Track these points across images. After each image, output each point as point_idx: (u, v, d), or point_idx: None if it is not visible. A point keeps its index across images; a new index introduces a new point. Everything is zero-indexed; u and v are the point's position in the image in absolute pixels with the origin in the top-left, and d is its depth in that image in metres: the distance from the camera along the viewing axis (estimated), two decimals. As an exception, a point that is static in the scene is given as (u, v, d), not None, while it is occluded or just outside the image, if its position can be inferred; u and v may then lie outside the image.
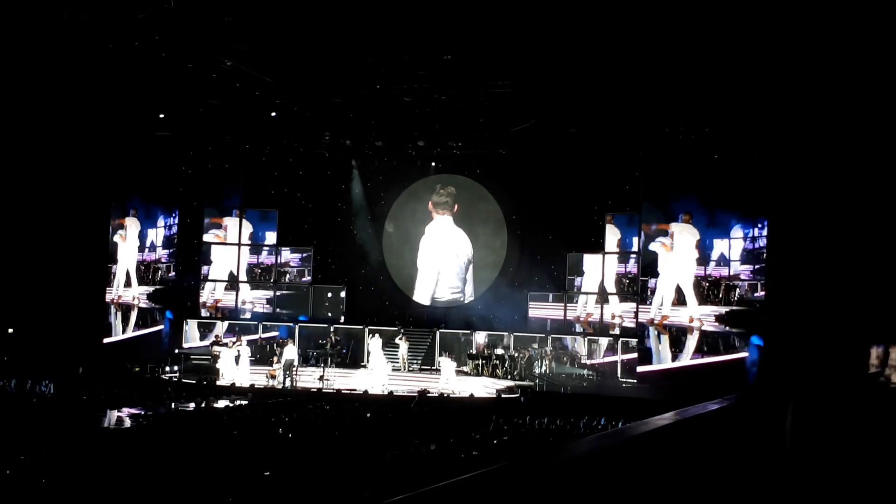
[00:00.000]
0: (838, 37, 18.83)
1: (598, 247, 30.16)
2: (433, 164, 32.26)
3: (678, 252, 26.93)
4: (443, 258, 32.49)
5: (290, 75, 23.95)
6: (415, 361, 29.71)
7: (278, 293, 32.99)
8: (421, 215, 32.77)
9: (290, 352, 27.20)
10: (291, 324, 32.07)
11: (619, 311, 29.56)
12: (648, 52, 20.67)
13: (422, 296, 32.55)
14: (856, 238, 22.21)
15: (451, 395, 25.13)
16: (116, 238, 33.11)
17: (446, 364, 26.88)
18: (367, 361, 28.63)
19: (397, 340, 29.30)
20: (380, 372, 26.75)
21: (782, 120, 23.47)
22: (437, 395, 24.91)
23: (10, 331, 30.82)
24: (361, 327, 31.24)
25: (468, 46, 21.16)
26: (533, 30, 19.95)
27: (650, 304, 27.51)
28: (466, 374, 28.48)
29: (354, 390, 25.67)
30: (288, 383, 26.36)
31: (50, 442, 14.51)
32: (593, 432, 18.02)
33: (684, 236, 26.82)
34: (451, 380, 26.35)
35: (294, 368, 26.83)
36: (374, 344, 28.65)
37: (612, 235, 29.70)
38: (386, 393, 25.32)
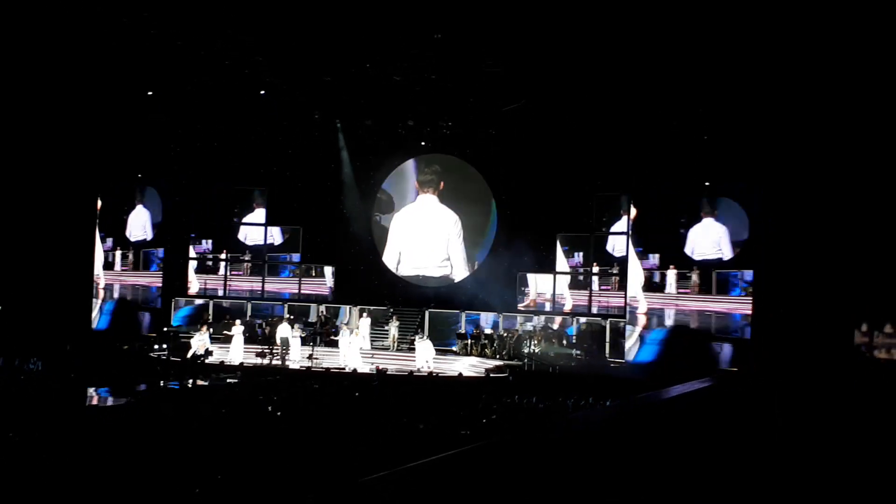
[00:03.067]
0: (831, 18, 18.85)
1: (587, 227, 30.23)
2: (423, 143, 32.22)
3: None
4: (425, 234, 32.65)
5: (279, 54, 23.83)
6: (403, 341, 29.76)
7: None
8: (410, 194, 32.90)
9: (284, 330, 27.17)
10: (280, 304, 32.17)
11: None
12: (639, 32, 20.65)
13: (404, 269, 32.96)
14: (841, 218, 22.33)
15: (429, 374, 25.14)
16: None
17: (423, 345, 26.98)
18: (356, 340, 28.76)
19: (391, 323, 29.53)
20: (353, 352, 26.75)
21: (773, 101, 23.50)
22: (425, 374, 25.06)
23: (-1, 308, 30.74)
24: (350, 306, 31.33)
25: (459, 26, 21.09)
26: (524, 10, 19.90)
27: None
28: (455, 353, 28.61)
29: (343, 368, 25.72)
30: (286, 361, 26.32)
31: (38, 419, 14.51)
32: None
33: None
34: (429, 360, 26.42)
35: (289, 346, 26.80)
36: (363, 324, 28.76)
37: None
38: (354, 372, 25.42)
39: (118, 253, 34.00)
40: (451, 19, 20.67)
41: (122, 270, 33.92)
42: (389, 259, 33.03)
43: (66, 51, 24.00)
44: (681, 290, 28.08)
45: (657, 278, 28.70)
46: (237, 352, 26.70)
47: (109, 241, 34.19)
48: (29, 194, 30.68)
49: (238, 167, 32.67)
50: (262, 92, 27.22)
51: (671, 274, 28.37)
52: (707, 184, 27.80)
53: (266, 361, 26.22)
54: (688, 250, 27.94)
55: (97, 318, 33.85)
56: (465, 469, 3.71)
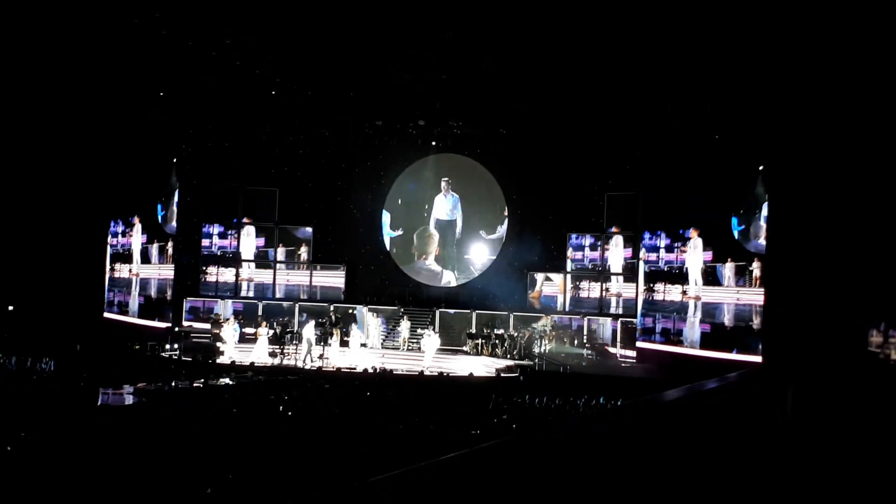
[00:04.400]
0: (837, 15, 18.73)
1: (597, 227, 30.19)
2: (434, 143, 32.24)
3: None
4: (450, 235, 33.02)
5: (290, 54, 23.85)
6: (414, 341, 29.74)
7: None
8: (421, 194, 32.98)
9: (309, 330, 27.11)
10: (290, 302, 32.26)
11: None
12: (650, 29, 20.58)
13: (428, 272, 33.13)
14: (855, 216, 22.15)
15: (439, 374, 25.08)
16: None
17: (430, 340, 27.05)
18: (367, 340, 28.79)
19: (402, 323, 29.57)
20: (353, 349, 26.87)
21: (783, 101, 23.34)
22: (435, 374, 25.05)
23: (11, 308, 30.87)
24: (361, 306, 31.37)
25: (468, 25, 21.06)
26: (534, 8, 19.87)
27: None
28: (466, 353, 28.59)
29: (354, 368, 25.72)
30: (308, 362, 26.25)
31: (50, 419, 14.56)
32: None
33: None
34: (430, 356, 26.47)
35: (312, 346, 26.74)
36: (373, 323, 28.82)
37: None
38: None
39: (155, 246, 33.23)
40: (461, 18, 20.64)
41: (160, 265, 33.06)
42: (419, 261, 33.17)
43: (79, 51, 24.08)
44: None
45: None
46: (262, 352, 26.71)
47: (144, 234, 33.53)
48: (39, 196, 30.80)
49: (249, 167, 32.77)
50: (273, 92, 27.24)
51: (728, 267, 26.28)
52: (761, 168, 25.62)
53: (278, 361, 26.25)
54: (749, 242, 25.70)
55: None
56: (477, 469, 3.70)
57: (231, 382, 22.26)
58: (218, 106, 29.30)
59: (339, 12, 20.48)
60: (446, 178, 32.72)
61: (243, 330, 28.77)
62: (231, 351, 27.12)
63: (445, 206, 32.84)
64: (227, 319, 28.96)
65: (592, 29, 20.79)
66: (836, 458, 7.33)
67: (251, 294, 33.28)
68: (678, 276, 27.76)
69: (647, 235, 29.07)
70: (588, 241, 31.13)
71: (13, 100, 27.46)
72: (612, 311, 30.06)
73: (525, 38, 21.90)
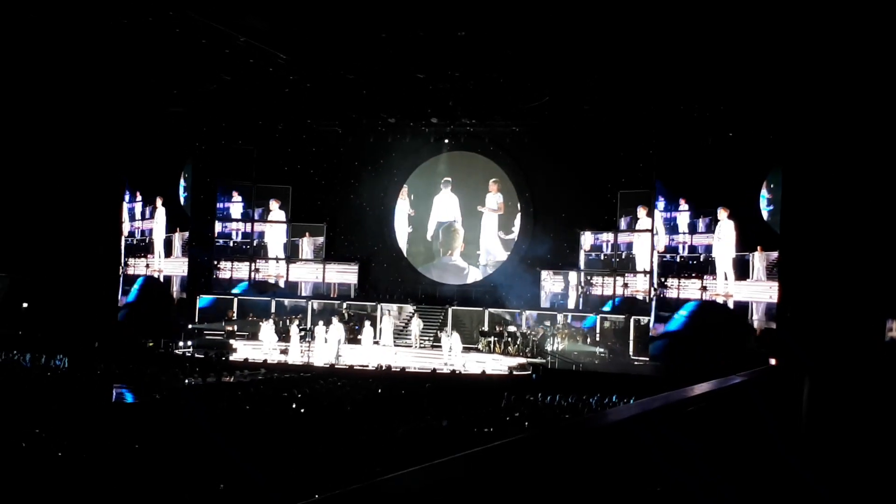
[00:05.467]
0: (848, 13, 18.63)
1: (610, 224, 30.06)
2: (446, 140, 32.21)
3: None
4: (470, 232, 33.12)
5: (303, 51, 23.83)
6: (426, 338, 29.69)
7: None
8: (433, 192, 32.93)
9: (338, 330, 27.08)
10: (304, 301, 32.27)
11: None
12: (662, 27, 20.48)
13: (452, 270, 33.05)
14: (870, 211, 21.98)
15: (452, 372, 25.06)
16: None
17: (452, 340, 27.02)
18: (380, 338, 28.74)
19: (413, 321, 29.46)
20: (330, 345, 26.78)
21: (797, 99, 23.20)
22: (447, 371, 25.04)
23: (25, 305, 30.99)
24: (374, 303, 31.33)
25: (482, 22, 20.99)
26: (547, 6, 19.79)
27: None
28: (478, 350, 28.52)
29: (367, 366, 25.73)
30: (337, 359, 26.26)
31: (64, 416, 14.59)
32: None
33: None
34: (457, 355, 26.40)
35: (340, 345, 26.73)
36: (386, 322, 28.79)
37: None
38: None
39: (176, 236, 32.44)
40: (475, 16, 20.57)
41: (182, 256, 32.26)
42: (444, 257, 33.07)
43: (94, 50, 24.13)
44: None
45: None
46: (296, 351, 26.72)
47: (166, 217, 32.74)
48: (55, 192, 30.90)
49: (262, 165, 32.83)
50: (286, 90, 27.22)
51: (757, 257, 23.72)
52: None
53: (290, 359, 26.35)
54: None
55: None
56: (491, 466, 3.66)
57: (244, 379, 22.32)
58: (231, 103, 29.31)
59: (352, 10, 20.44)
60: (447, 178, 32.70)
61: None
62: (270, 351, 27.13)
63: (445, 206, 32.84)
64: (267, 319, 29.05)
65: (606, 28, 20.70)
66: (854, 451, 7.28)
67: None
68: (700, 267, 25.16)
69: (662, 202, 26.75)
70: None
71: (14, 100, 27.59)
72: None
73: (538, 36, 21.81)
